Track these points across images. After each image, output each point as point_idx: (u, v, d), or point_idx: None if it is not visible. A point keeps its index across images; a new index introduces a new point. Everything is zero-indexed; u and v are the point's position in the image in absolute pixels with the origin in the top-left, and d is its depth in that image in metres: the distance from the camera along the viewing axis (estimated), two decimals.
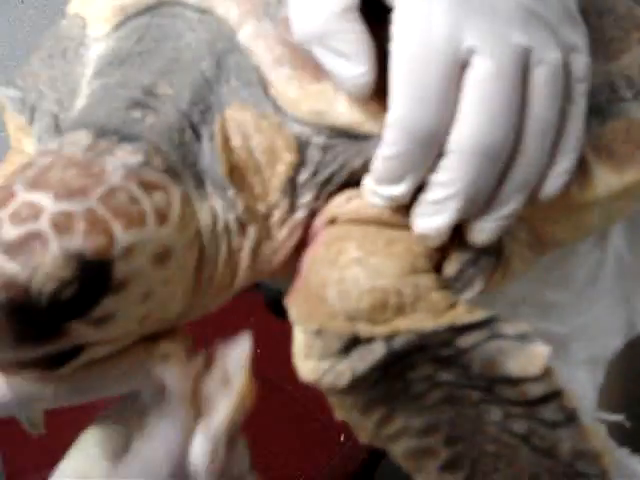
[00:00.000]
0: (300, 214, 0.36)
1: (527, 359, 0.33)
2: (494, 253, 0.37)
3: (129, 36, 0.37)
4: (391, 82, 0.32)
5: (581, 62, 0.34)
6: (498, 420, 0.34)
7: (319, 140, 0.35)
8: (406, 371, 0.33)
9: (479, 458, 0.34)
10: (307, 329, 0.33)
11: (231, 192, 0.35)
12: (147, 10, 0.37)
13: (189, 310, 0.35)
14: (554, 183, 0.35)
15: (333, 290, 0.33)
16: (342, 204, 0.36)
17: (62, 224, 0.29)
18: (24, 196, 0.30)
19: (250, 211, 0.35)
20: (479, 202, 0.34)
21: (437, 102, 0.32)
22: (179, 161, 0.34)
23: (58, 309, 0.30)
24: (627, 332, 0.50)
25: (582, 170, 0.36)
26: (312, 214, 0.37)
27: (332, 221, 0.36)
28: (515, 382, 0.33)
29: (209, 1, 0.36)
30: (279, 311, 0.38)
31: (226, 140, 0.35)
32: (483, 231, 0.35)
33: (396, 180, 0.34)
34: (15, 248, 0.29)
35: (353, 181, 0.36)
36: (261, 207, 0.36)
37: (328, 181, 0.36)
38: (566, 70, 0.33)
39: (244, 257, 0.36)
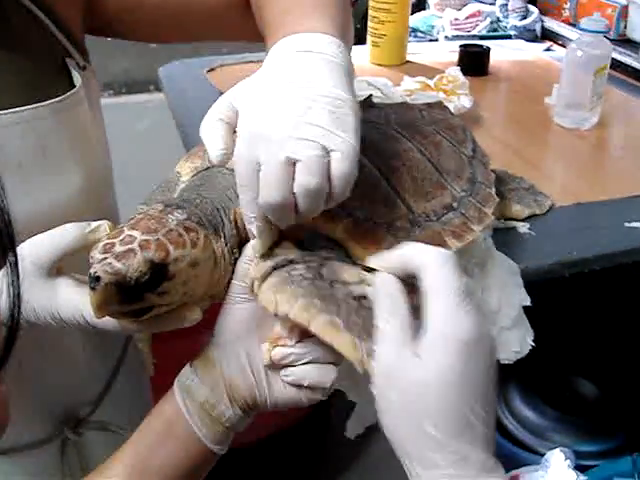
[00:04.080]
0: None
1: None
2: None
3: (196, 179, 0.70)
4: None
5: (337, 155, 0.54)
6: None
7: None
8: None
9: None
10: None
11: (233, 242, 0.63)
12: (204, 170, 0.70)
13: (207, 294, 0.61)
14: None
15: None
16: None
17: (144, 245, 0.55)
18: (127, 232, 0.56)
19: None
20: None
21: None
22: (207, 222, 0.61)
23: (140, 286, 0.54)
24: None
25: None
26: None
27: None
28: None
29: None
30: None
31: (235, 221, 0.64)
32: None
33: None
34: (121, 256, 0.54)
35: None
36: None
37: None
38: (324, 160, 0.53)
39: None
